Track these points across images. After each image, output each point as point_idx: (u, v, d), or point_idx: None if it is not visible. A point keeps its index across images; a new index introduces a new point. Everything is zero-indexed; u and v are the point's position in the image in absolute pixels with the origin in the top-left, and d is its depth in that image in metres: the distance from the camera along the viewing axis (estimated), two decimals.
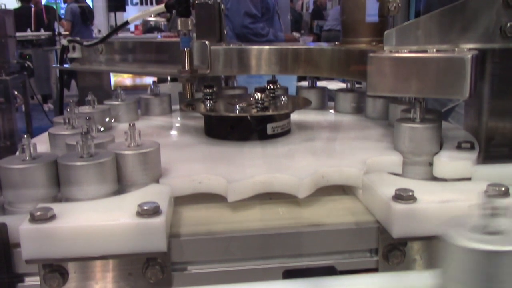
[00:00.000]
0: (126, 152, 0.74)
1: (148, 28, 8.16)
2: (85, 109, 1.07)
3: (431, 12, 0.82)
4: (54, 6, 7.03)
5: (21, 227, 0.60)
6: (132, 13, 8.80)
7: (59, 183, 0.71)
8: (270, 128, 1.00)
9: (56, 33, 6.11)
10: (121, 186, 0.74)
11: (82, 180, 0.69)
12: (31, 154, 0.71)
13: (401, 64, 0.79)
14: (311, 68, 1.16)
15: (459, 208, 0.67)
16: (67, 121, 0.90)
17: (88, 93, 1.10)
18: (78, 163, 0.69)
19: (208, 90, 1.06)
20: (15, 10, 6.26)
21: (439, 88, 0.77)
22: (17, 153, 0.75)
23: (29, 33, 5.83)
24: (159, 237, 0.62)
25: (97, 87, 1.47)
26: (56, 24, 6.64)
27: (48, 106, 5.94)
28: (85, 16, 7.08)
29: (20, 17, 6.16)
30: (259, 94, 0.98)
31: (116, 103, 1.18)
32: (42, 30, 5.96)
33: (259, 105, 0.98)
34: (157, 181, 0.76)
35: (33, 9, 6.62)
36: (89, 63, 1.35)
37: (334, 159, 0.89)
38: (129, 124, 0.77)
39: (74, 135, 0.85)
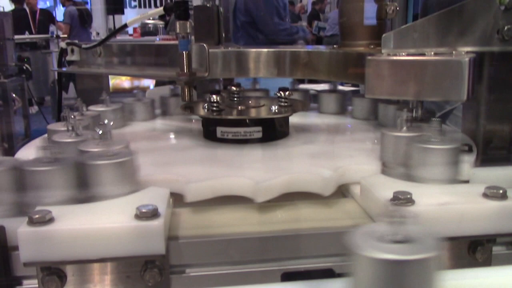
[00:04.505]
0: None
1: (146, 30, 8.17)
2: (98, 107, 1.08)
3: (428, 15, 0.82)
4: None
5: (19, 230, 0.60)
6: (130, 16, 8.85)
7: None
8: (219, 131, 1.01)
9: (54, 36, 6.11)
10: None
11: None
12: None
13: (399, 67, 0.79)
14: (309, 71, 1.16)
15: (457, 211, 0.67)
16: (69, 128, 0.89)
17: (87, 95, 1.10)
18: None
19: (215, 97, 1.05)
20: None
21: (437, 91, 0.77)
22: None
23: (27, 36, 5.83)
24: (158, 240, 0.62)
25: (95, 90, 1.46)
26: (51, 27, 6.65)
27: (34, 108, 5.84)
28: (84, 18, 7.08)
29: (14, 20, 6.17)
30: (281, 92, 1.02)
31: (103, 108, 1.18)
32: (27, 33, 5.93)
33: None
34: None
35: (28, 12, 6.64)
36: (87, 65, 1.35)
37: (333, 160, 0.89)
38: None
39: (77, 141, 0.84)
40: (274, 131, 1.03)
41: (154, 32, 7.64)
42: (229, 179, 0.78)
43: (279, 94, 1.04)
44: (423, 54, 0.80)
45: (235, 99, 1.13)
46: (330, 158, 0.93)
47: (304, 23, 4.60)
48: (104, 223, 0.62)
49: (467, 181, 0.81)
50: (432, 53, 0.81)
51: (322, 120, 1.30)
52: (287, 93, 1.03)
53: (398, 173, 0.80)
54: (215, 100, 1.02)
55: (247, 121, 1.00)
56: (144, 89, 1.37)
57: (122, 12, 9.23)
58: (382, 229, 0.41)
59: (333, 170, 0.81)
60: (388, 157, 0.82)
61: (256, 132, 0.99)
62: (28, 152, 0.93)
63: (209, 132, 1.05)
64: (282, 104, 1.04)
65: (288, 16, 3.80)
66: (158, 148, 1.03)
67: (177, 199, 0.78)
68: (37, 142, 1.00)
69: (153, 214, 0.63)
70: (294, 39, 3.66)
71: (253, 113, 1.05)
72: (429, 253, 0.39)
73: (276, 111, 1.01)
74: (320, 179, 0.78)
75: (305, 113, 1.33)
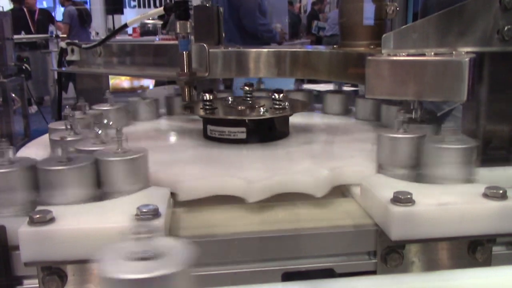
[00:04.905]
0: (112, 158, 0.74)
1: (145, 30, 8.17)
2: (77, 114, 1.07)
3: (428, 15, 0.82)
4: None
5: (20, 230, 0.60)
6: (130, 16, 8.85)
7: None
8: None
9: (54, 35, 6.11)
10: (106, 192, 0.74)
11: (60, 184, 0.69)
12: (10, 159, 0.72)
13: (399, 67, 0.79)
14: (310, 71, 1.16)
15: (457, 211, 0.67)
16: (68, 127, 0.89)
17: (86, 95, 1.10)
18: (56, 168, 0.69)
19: (207, 96, 1.05)
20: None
21: (437, 91, 0.77)
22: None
23: (27, 36, 5.83)
24: None
25: (95, 90, 1.47)
26: (50, 27, 6.65)
27: (33, 108, 5.85)
28: (83, 18, 7.08)
29: (13, 19, 6.17)
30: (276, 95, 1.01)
31: (106, 107, 1.18)
32: (23, 32, 5.92)
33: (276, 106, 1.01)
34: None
35: (26, 11, 6.63)
36: (87, 65, 1.35)
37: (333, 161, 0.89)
38: (116, 129, 0.76)
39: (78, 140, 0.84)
40: (270, 132, 1.03)
41: (153, 32, 7.64)
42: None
43: (273, 96, 1.03)
44: (423, 55, 0.80)
45: (248, 98, 1.13)
46: (327, 158, 0.92)
47: (278, 25, 4.78)
48: (104, 223, 0.62)
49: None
50: (432, 53, 0.81)
51: (324, 120, 1.30)
52: (281, 95, 1.03)
53: (396, 174, 0.80)
54: (207, 99, 1.03)
55: (246, 121, 1.00)
56: (143, 89, 1.37)
57: (122, 12, 9.24)
58: (131, 246, 0.40)
59: (328, 171, 0.81)
60: (385, 159, 0.82)
61: (240, 132, 0.99)
62: (28, 152, 0.93)
63: (204, 131, 1.05)
64: (277, 105, 1.03)
65: (267, 14, 3.96)
66: (154, 147, 1.02)
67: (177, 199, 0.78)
68: (37, 142, 1.00)
69: (154, 214, 0.63)
70: (270, 37, 3.82)
71: (240, 113, 1.04)
72: (173, 269, 0.38)
73: (266, 112, 1.01)
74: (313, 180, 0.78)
75: (309, 113, 1.33)
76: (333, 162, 0.86)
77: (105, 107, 1.17)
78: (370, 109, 1.23)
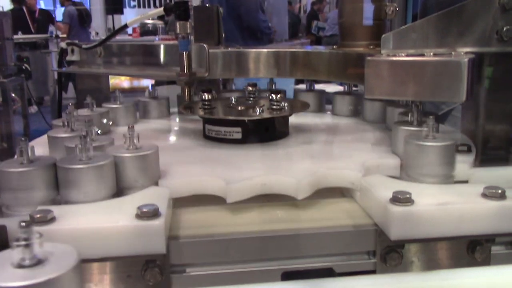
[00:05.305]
0: (125, 154, 0.74)
1: (145, 30, 8.17)
2: (84, 111, 1.08)
3: (428, 15, 0.83)
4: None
5: None
6: (130, 16, 8.84)
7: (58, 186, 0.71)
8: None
9: (54, 36, 6.11)
10: (120, 188, 0.75)
11: (81, 183, 0.69)
12: (29, 158, 0.71)
13: (398, 67, 0.80)
14: (309, 71, 1.17)
15: (456, 211, 0.67)
16: (66, 124, 0.90)
17: (86, 95, 1.11)
18: (78, 166, 0.69)
19: (206, 95, 1.06)
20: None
21: (436, 92, 0.78)
22: (15, 156, 0.75)
23: (27, 36, 5.83)
24: (158, 240, 0.62)
25: (95, 90, 1.47)
26: (50, 27, 6.66)
27: (33, 108, 5.86)
28: (83, 18, 7.09)
29: (13, 19, 6.17)
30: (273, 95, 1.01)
31: (115, 106, 1.19)
32: (20, 32, 5.91)
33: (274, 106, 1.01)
34: (156, 184, 0.77)
35: (26, 11, 6.63)
36: (87, 65, 1.35)
37: (332, 161, 0.89)
38: (128, 127, 0.77)
39: (73, 137, 0.85)
40: (266, 132, 1.03)
41: (153, 32, 7.64)
42: None
43: (270, 97, 1.03)
44: (423, 55, 0.81)
45: (252, 98, 1.13)
46: (319, 160, 0.92)
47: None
48: (105, 222, 0.63)
49: (466, 181, 0.82)
50: (432, 53, 0.81)
51: (330, 121, 1.29)
52: (279, 95, 1.02)
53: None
54: (206, 99, 1.03)
55: (243, 121, 1.00)
56: (143, 89, 1.37)
57: (122, 12, 9.25)
58: (16, 253, 0.40)
59: (312, 172, 0.80)
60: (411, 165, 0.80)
61: (236, 132, 0.99)
62: None
63: (204, 130, 1.06)
64: (275, 106, 1.03)
65: (267, 13, 4.08)
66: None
67: (177, 199, 0.78)
68: (37, 142, 1.00)
69: (154, 213, 0.63)
70: (269, 34, 3.86)
71: (237, 113, 1.04)
72: (53, 274, 0.38)
73: (263, 112, 1.01)
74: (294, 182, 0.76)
75: (318, 114, 1.33)
76: (324, 163, 0.86)
77: (114, 105, 1.19)
78: (378, 111, 1.21)
